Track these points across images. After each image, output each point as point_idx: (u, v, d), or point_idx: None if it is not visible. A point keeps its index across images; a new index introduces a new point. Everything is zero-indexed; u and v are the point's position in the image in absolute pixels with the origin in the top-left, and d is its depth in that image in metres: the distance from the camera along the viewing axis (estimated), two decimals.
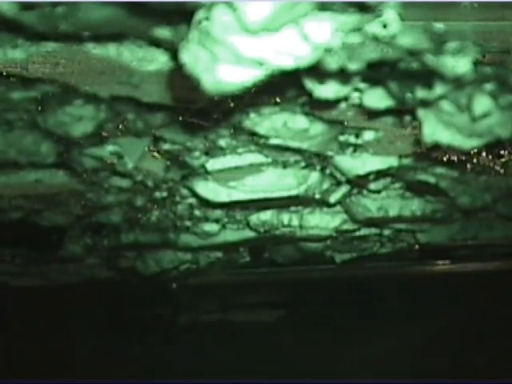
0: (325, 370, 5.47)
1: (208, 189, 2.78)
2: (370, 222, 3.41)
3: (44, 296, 4.89)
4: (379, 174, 2.68)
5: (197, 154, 2.59)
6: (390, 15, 1.38)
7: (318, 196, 2.88)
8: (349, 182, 2.80)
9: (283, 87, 1.97)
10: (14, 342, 5.38)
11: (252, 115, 2.21)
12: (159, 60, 1.86)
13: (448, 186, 2.86)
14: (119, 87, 1.97)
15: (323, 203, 3.10)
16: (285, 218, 3.40)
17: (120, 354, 5.61)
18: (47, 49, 1.77)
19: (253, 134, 2.33)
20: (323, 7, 1.25)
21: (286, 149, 2.44)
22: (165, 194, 3.07)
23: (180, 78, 1.46)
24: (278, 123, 2.23)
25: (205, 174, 2.72)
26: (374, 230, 3.70)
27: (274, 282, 5.22)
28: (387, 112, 1.99)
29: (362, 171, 2.56)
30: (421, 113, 1.75)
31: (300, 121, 2.22)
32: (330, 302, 5.81)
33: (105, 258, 4.22)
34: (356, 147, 2.45)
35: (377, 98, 1.84)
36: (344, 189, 2.94)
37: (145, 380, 5.48)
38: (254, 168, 2.70)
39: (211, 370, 5.43)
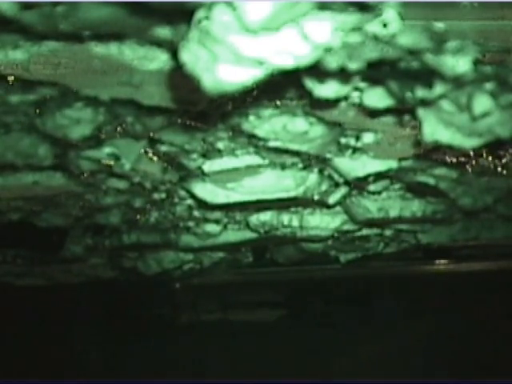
0: (325, 369, 5.47)
1: (206, 190, 2.78)
2: (370, 223, 3.41)
3: (47, 296, 4.90)
4: (378, 176, 2.68)
5: (195, 156, 2.59)
6: (390, 14, 1.38)
7: (316, 197, 2.88)
8: (347, 183, 2.80)
9: (283, 87, 1.97)
10: (16, 341, 5.39)
11: (251, 118, 2.20)
12: (160, 58, 1.86)
13: (448, 187, 2.86)
14: (120, 88, 1.96)
15: (322, 204, 3.10)
16: (285, 218, 3.39)
17: (120, 354, 5.61)
18: (48, 48, 1.77)
19: (252, 136, 2.32)
20: (323, 6, 1.25)
21: (286, 151, 2.43)
22: (163, 195, 3.07)
23: (181, 79, 1.46)
24: (278, 126, 2.23)
25: (202, 175, 2.71)
26: (375, 231, 3.70)
27: (277, 282, 5.22)
28: (387, 112, 1.99)
29: (361, 173, 2.56)
30: (421, 112, 1.75)
31: (299, 123, 2.22)
32: (331, 302, 5.82)
33: (106, 259, 4.23)
34: (355, 149, 2.45)
35: (377, 98, 1.84)
36: (343, 190, 2.94)
37: (145, 380, 5.48)
38: (252, 170, 2.70)
39: (211, 370, 5.44)
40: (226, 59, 1.28)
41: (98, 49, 1.76)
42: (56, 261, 4.18)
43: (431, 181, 2.81)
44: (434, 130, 1.75)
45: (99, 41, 1.73)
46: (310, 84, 1.69)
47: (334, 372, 5.46)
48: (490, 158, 2.58)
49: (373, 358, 5.63)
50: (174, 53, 1.59)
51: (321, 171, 2.73)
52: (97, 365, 5.62)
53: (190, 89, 1.83)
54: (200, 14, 1.26)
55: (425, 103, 1.72)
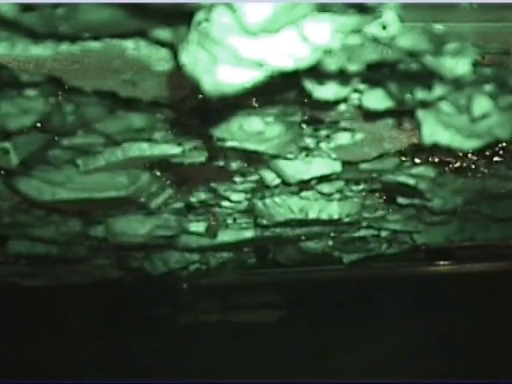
0: (325, 369, 5.48)
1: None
2: (290, 223, 3.27)
3: (53, 296, 4.90)
4: (322, 179, 2.64)
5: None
6: (390, 16, 1.38)
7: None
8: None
9: (282, 89, 1.97)
10: (22, 341, 5.40)
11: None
12: (160, 61, 1.86)
13: (426, 187, 2.82)
14: (120, 89, 1.97)
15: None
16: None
17: (120, 354, 5.62)
18: (49, 50, 1.77)
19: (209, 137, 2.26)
20: (323, 8, 1.25)
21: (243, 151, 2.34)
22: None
23: (180, 81, 1.47)
24: (234, 126, 2.16)
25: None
26: (371, 232, 3.69)
27: (281, 283, 5.22)
28: (386, 113, 1.99)
29: (306, 176, 2.53)
30: (420, 114, 1.75)
31: (255, 123, 2.17)
32: (332, 302, 5.82)
33: (112, 259, 4.22)
34: (311, 150, 2.41)
35: (376, 99, 1.84)
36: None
37: (145, 380, 5.49)
38: None
39: (211, 370, 5.44)
40: (225, 61, 1.29)
41: (98, 50, 1.77)
42: (62, 261, 4.17)
43: (411, 181, 2.77)
44: (434, 131, 1.75)
45: (98, 43, 1.73)
46: (310, 86, 1.69)
47: (334, 372, 5.46)
48: (486, 160, 2.58)
49: (373, 358, 5.63)
50: (174, 54, 1.59)
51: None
52: (96, 365, 5.62)
53: (190, 91, 1.84)
54: (200, 15, 1.26)
55: (424, 105, 1.72)
